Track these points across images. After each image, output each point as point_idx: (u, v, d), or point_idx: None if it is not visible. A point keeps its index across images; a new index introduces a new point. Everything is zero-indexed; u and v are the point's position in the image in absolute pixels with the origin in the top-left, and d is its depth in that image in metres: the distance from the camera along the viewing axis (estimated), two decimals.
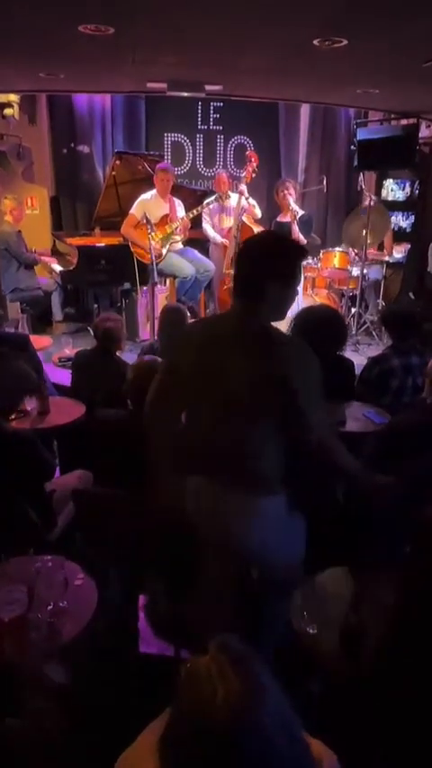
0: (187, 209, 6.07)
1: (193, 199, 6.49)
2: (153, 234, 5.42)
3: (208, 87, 4.54)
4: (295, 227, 5.32)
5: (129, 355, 4.67)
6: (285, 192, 5.41)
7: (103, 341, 3.69)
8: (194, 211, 6.03)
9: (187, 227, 6.06)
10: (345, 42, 3.04)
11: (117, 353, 3.79)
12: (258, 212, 6.10)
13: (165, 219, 5.87)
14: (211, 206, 6.24)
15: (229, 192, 6.16)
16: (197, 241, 6.43)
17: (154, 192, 5.93)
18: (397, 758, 1.51)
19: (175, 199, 6.05)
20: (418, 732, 1.45)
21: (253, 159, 5.86)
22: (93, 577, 2.16)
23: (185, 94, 4.67)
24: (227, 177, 6.28)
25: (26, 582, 1.97)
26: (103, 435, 2.64)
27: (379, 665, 1.65)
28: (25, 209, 6.44)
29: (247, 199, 5.95)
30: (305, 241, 5.37)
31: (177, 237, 5.96)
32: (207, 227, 6.31)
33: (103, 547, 2.57)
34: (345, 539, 2.57)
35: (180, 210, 6.02)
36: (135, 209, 5.88)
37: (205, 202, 6.20)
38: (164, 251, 5.85)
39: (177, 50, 3.47)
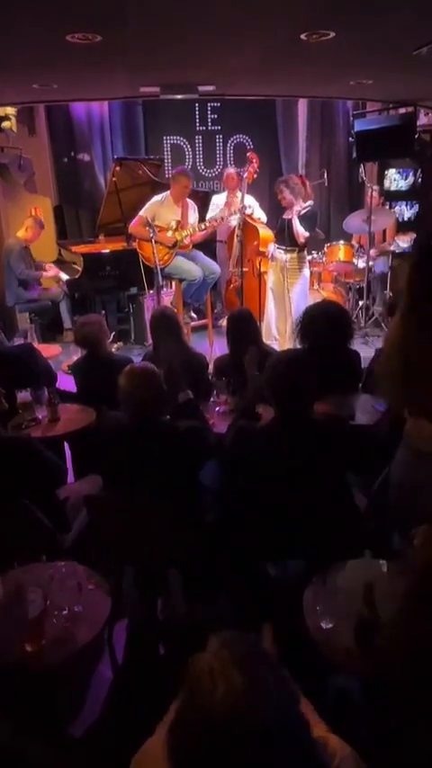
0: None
1: (195, 200, 6.50)
2: (155, 237, 5.41)
3: (201, 88, 4.54)
4: (295, 223, 5.29)
5: (138, 359, 4.68)
6: (280, 194, 5.38)
7: (85, 346, 3.71)
8: (204, 225, 5.97)
9: (198, 240, 6.02)
10: (332, 35, 3.03)
11: (107, 353, 3.78)
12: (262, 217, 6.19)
13: (176, 227, 5.79)
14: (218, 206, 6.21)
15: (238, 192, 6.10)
16: (203, 242, 6.45)
17: (167, 194, 5.84)
18: (417, 751, 1.50)
19: (189, 202, 5.96)
20: None
21: (254, 161, 5.85)
22: (108, 582, 2.18)
23: (179, 97, 4.67)
24: (235, 173, 6.26)
25: (40, 588, 1.99)
26: (107, 438, 2.65)
27: (393, 658, 1.63)
28: (41, 230, 6.50)
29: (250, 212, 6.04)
30: (306, 234, 5.34)
31: (185, 242, 5.92)
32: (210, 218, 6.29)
33: (117, 551, 2.59)
34: (360, 531, 2.56)
35: (193, 216, 5.96)
36: (145, 211, 5.78)
37: (218, 218, 6.17)
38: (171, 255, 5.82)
39: (165, 53, 3.47)
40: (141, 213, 5.83)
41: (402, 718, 1.53)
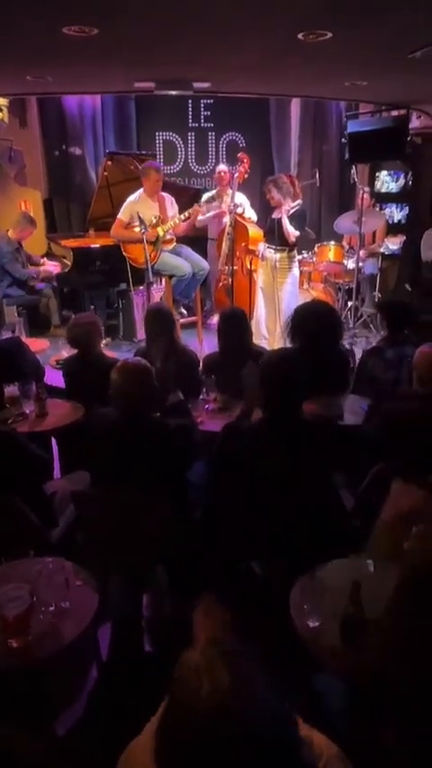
0: (181, 209, 5.98)
1: (187, 197, 6.47)
2: (146, 234, 5.36)
3: (196, 85, 4.52)
4: (284, 222, 5.30)
5: (127, 356, 4.66)
6: (269, 193, 5.39)
7: (76, 347, 3.68)
8: (187, 213, 5.87)
9: (182, 231, 5.96)
10: (329, 35, 3.04)
11: (98, 354, 3.72)
12: (252, 216, 6.20)
13: (157, 222, 5.70)
14: (211, 205, 6.17)
15: (229, 190, 6.07)
16: (195, 239, 6.42)
17: (140, 192, 5.73)
18: (404, 753, 1.51)
19: (165, 195, 5.86)
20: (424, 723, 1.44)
21: (245, 160, 5.84)
22: (94, 578, 2.17)
23: (173, 93, 4.65)
24: (227, 170, 6.22)
25: (27, 583, 1.98)
26: (96, 434, 2.64)
27: (381, 655, 1.65)
28: (32, 228, 6.42)
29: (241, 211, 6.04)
30: (297, 233, 5.35)
31: (168, 236, 5.84)
32: (201, 218, 6.19)
33: (105, 547, 2.58)
34: (347, 531, 2.58)
35: (172, 209, 5.88)
36: (123, 213, 5.71)
37: (204, 201, 6.07)
38: (157, 252, 5.76)
39: (162, 49, 3.46)
40: (119, 216, 5.74)
41: (388, 717, 1.54)
